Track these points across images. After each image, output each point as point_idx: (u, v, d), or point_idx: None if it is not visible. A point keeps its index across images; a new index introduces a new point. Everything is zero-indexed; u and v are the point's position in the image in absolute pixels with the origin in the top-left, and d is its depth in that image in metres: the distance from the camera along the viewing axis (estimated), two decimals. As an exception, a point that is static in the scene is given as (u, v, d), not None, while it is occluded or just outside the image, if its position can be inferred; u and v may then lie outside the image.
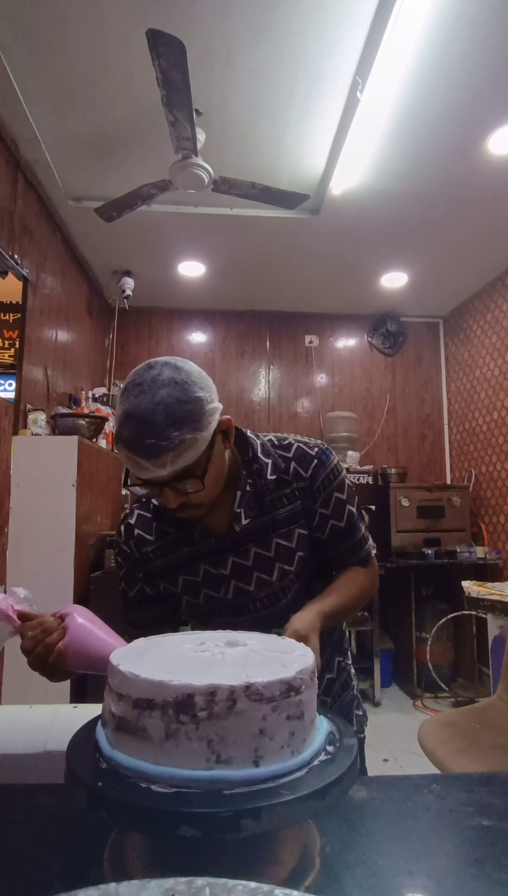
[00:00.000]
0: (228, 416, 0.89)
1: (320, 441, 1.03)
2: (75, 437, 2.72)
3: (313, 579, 1.03)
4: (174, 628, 1.04)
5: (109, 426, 3.32)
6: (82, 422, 3.03)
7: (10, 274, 2.83)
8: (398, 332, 5.00)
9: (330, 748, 0.58)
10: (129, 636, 0.78)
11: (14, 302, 3.09)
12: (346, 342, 5.04)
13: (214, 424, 0.84)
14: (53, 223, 3.35)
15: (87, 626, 0.77)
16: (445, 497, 4.15)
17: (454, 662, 3.98)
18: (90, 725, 0.62)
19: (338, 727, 0.62)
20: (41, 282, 3.17)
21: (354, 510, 1.03)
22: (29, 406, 2.92)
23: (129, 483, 0.86)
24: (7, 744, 0.83)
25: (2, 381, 3.11)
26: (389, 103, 2.41)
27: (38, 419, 2.87)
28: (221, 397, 0.89)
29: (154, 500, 0.97)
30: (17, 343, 2.96)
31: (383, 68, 2.18)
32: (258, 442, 1.00)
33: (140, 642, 0.67)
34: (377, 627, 3.83)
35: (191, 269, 4.11)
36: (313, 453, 0.99)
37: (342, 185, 2.97)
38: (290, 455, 0.99)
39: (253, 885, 0.38)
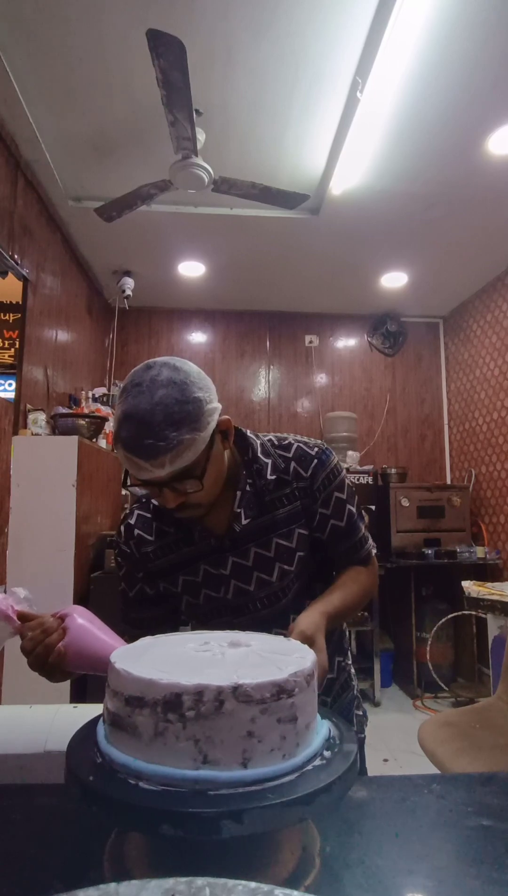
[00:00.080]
0: (227, 417, 0.89)
1: (319, 441, 1.03)
2: (75, 437, 2.72)
3: (313, 579, 1.03)
4: (174, 628, 1.04)
5: (109, 426, 3.32)
6: (82, 422, 3.03)
7: (10, 274, 2.83)
8: (398, 332, 5.00)
9: (327, 753, 0.57)
10: (129, 636, 0.78)
11: (14, 302, 3.09)
12: (346, 342, 5.04)
13: (212, 425, 0.84)
14: (53, 223, 3.35)
15: (87, 626, 0.77)
16: (445, 497, 4.15)
17: (454, 662, 3.98)
18: (91, 724, 0.62)
19: (340, 731, 0.61)
20: (41, 282, 3.17)
21: (354, 510, 1.03)
22: (29, 406, 2.92)
23: (128, 483, 0.86)
24: (7, 744, 0.83)
25: (2, 381, 3.11)
26: (389, 103, 2.41)
27: (38, 419, 2.88)
28: (221, 397, 0.89)
29: (154, 501, 0.97)
30: (17, 343, 2.96)
31: (383, 68, 2.18)
32: (258, 442, 1.00)
33: (144, 641, 0.67)
34: (377, 627, 3.83)
35: (191, 269, 4.11)
36: (313, 453, 0.99)
37: (341, 185, 2.97)
38: (290, 455, 0.99)
39: (253, 885, 0.38)
